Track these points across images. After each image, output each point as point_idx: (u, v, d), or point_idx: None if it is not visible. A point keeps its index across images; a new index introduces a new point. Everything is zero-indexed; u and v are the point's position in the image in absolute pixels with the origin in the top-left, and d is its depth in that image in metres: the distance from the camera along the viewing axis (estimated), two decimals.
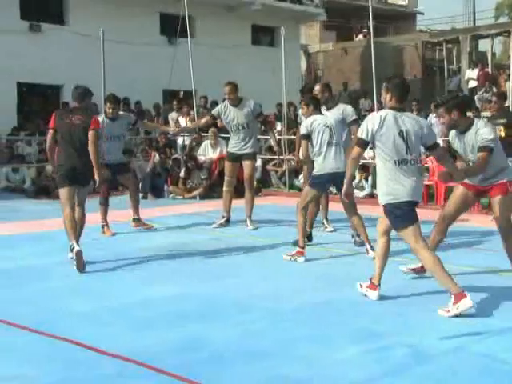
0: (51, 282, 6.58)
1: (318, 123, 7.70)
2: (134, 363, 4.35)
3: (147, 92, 18.56)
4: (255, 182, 11.44)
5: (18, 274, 6.92)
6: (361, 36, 29.40)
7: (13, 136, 16.41)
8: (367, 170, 13.59)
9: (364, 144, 5.69)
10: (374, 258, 7.28)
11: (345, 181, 5.98)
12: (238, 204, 10.22)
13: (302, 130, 7.86)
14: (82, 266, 6.93)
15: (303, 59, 28.07)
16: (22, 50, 17.14)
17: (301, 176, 12.60)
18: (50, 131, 7.61)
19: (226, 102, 9.66)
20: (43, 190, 13.50)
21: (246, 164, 9.68)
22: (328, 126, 7.69)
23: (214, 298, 5.99)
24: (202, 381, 4.06)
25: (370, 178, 13.72)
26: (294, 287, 6.34)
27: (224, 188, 9.94)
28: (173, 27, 18.12)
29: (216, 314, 5.50)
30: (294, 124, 16.13)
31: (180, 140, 16.09)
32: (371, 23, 14.15)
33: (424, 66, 26.19)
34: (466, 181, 6.40)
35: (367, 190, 13.63)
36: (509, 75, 21.52)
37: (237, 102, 9.54)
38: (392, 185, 5.59)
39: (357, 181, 14.06)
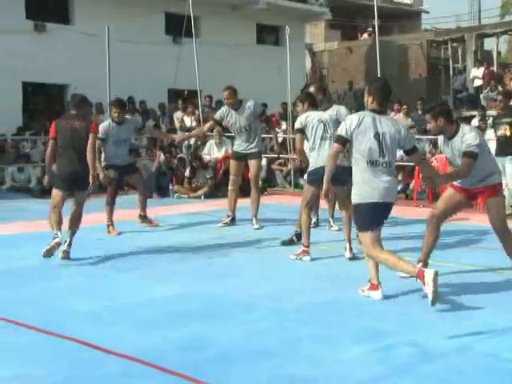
0: (55, 282, 6.60)
1: (312, 118, 7.71)
2: (139, 362, 4.35)
3: (152, 91, 18.57)
4: (260, 182, 11.45)
5: (22, 274, 6.93)
6: (366, 35, 29.35)
7: (18, 136, 16.43)
8: None
9: (343, 141, 5.78)
10: (350, 259, 7.33)
11: (324, 179, 6.02)
12: (244, 203, 10.22)
13: (296, 125, 7.93)
14: (49, 255, 7.11)
15: (308, 58, 28.04)
16: (27, 50, 17.17)
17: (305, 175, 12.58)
18: (51, 141, 7.77)
19: (226, 105, 9.68)
20: (48, 190, 13.49)
21: (252, 163, 9.69)
22: (322, 121, 7.68)
23: (218, 297, 5.99)
24: (211, 381, 4.06)
25: None
26: (298, 287, 6.33)
27: (229, 187, 9.95)
28: (178, 27, 18.15)
29: (220, 313, 5.50)
30: None
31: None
32: (376, 22, 14.15)
33: (429, 64, 26.14)
34: (456, 184, 6.45)
35: None
36: None
37: (237, 106, 9.56)
38: (362, 185, 5.71)
39: None
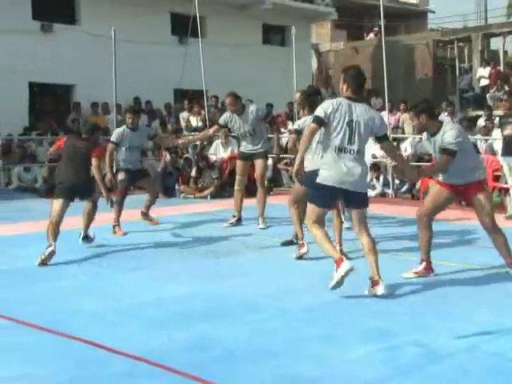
0: (61, 282, 6.61)
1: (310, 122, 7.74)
2: (145, 362, 4.36)
3: (158, 91, 18.59)
4: (266, 181, 11.45)
5: (28, 274, 6.94)
6: (372, 35, 29.31)
7: (24, 136, 16.46)
8: (378, 169, 13.56)
9: (320, 121, 5.82)
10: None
11: (296, 157, 6.05)
12: (249, 203, 10.22)
13: (294, 126, 8.06)
14: (45, 263, 7.28)
15: (314, 58, 28.03)
16: (34, 50, 17.21)
17: None
18: (54, 147, 8.57)
19: (229, 111, 9.71)
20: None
21: (258, 163, 9.70)
22: None
23: (224, 297, 5.99)
24: (217, 380, 4.06)
25: (381, 178, 13.70)
26: (303, 286, 6.33)
27: (235, 187, 9.96)
28: (184, 27, 18.17)
29: (225, 313, 5.50)
30: None
31: None
32: (382, 22, 14.12)
33: (435, 64, 26.09)
34: (441, 180, 6.55)
35: (378, 189, 13.61)
36: None
37: (240, 111, 9.57)
38: (324, 169, 5.87)
39: (368, 180, 14.04)
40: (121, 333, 5.00)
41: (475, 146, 10.14)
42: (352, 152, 5.82)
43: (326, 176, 5.86)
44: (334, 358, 4.45)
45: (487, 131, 13.68)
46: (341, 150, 5.81)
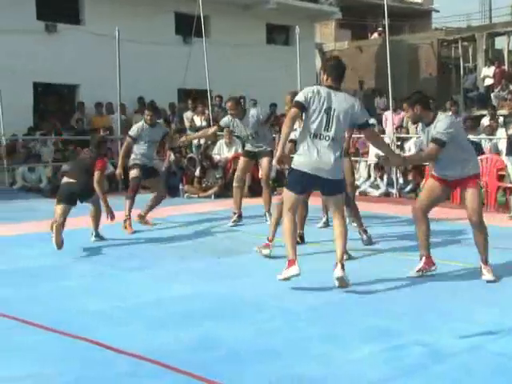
0: (66, 282, 6.62)
1: None
2: (150, 362, 4.37)
3: (162, 91, 18.59)
4: (270, 181, 11.45)
5: (33, 274, 6.96)
6: (376, 34, 29.30)
7: (29, 136, 16.48)
8: (382, 168, 13.55)
9: (300, 106, 5.96)
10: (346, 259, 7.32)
11: (279, 144, 6.18)
12: (254, 203, 10.22)
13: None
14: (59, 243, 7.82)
15: (318, 58, 28.01)
16: (38, 50, 17.22)
17: None
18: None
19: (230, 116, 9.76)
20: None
21: (263, 162, 9.71)
22: None
23: (227, 297, 6.00)
24: (222, 380, 4.06)
25: (385, 177, 13.70)
26: (305, 286, 6.31)
27: (234, 184, 9.97)
28: (188, 27, 18.18)
29: (230, 313, 5.51)
30: None
31: (195, 140, 16.11)
32: (386, 21, 14.12)
33: (440, 64, 26.05)
34: (435, 174, 6.58)
35: (382, 189, 13.60)
36: None
37: (241, 115, 9.60)
38: (299, 155, 6.03)
39: (372, 179, 14.06)
40: (125, 332, 5.01)
41: (477, 144, 10.11)
42: (327, 138, 5.94)
43: (301, 162, 6.01)
44: (337, 357, 4.46)
45: (492, 131, 13.66)
46: (316, 136, 5.95)
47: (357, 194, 11.11)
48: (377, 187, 13.73)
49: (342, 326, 5.13)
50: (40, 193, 14.01)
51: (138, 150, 9.78)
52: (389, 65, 13.38)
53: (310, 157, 5.96)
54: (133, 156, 9.85)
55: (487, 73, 21.65)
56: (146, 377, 4.20)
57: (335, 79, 6.11)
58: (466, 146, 6.54)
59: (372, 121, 17.18)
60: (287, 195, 6.19)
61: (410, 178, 13.60)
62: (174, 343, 4.75)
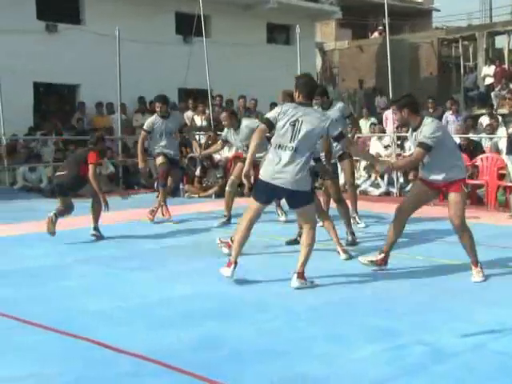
0: (67, 281, 6.61)
1: None
2: (152, 362, 4.36)
3: (162, 91, 18.39)
4: None
5: (34, 273, 6.95)
6: (376, 33, 29.30)
7: (29, 136, 16.47)
8: None
9: (269, 123, 6.26)
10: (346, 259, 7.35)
11: (247, 158, 6.42)
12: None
13: None
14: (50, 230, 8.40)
15: (318, 57, 28.01)
16: (39, 50, 17.20)
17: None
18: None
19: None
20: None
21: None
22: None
23: (229, 296, 6.00)
24: (224, 380, 4.05)
25: (385, 176, 13.69)
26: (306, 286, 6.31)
27: (227, 188, 10.07)
28: (188, 26, 18.17)
29: (231, 312, 5.51)
30: None
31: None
32: (387, 20, 14.12)
33: (440, 63, 26.05)
34: (422, 176, 6.64)
35: (383, 188, 13.60)
36: None
37: (236, 126, 9.63)
38: (265, 165, 6.26)
39: (372, 178, 14.05)
40: (127, 332, 5.00)
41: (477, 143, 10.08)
42: (291, 149, 6.08)
43: (265, 171, 6.22)
44: (339, 357, 4.45)
45: (492, 130, 13.65)
46: (281, 147, 6.13)
47: (357, 193, 11.11)
48: (377, 186, 13.73)
49: (342, 325, 5.13)
50: (40, 193, 14.01)
51: (156, 142, 10.19)
52: (389, 64, 13.38)
53: (272, 166, 6.14)
54: (154, 147, 10.31)
55: (487, 72, 21.64)
56: (147, 376, 4.19)
57: (306, 96, 6.31)
58: (453, 151, 6.58)
59: (372, 120, 17.23)
60: (252, 204, 6.37)
61: (410, 177, 13.58)
62: (175, 343, 4.75)
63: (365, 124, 16.75)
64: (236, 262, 6.27)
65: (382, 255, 6.76)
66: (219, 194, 13.46)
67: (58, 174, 8.85)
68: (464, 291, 6.09)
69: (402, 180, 13.56)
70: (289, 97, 8.43)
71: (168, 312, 5.51)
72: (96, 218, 8.76)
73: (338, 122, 8.40)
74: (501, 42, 25.18)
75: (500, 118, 15.00)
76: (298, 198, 6.22)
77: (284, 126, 6.14)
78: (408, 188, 13.45)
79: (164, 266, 7.21)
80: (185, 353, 4.55)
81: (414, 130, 6.48)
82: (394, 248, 7.81)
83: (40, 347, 4.71)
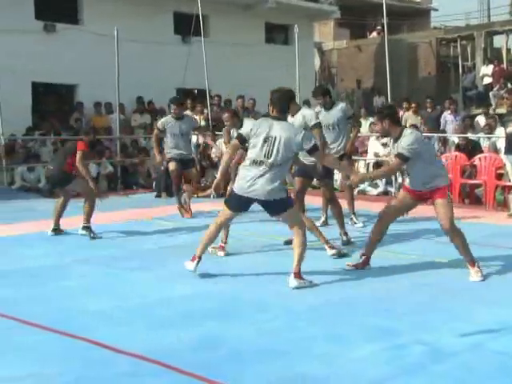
0: (67, 281, 6.61)
1: None
2: (151, 362, 4.36)
3: (161, 91, 18.55)
4: None
5: (34, 273, 6.95)
6: (375, 33, 29.27)
7: (27, 136, 16.46)
8: (380, 167, 13.54)
9: (241, 139, 6.47)
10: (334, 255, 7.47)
11: (219, 171, 6.77)
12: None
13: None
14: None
15: (317, 57, 28.00)
16: (37, 50, 17.18)
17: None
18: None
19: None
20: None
21: None
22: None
23: (228, 296, 6.00)
24: (224, 380, 4.06)
25: None
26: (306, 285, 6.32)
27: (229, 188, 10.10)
28: (186, 26, 18.15)
29: (231, 312, 5.51)
30: None
31: (194, 139, 16.11)
32: (385, 20, 14.13)
33: (438, 62, 26.05)
34: (406, 184, 6.82)
35: (381, 188, 13.61)
36: None
37: (238, 126, 9.63)
38: (238, 179, 6.40)
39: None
40: (126, 332, 5.01)
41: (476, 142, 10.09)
42: (265, 164, 6.22)
43: (238, 186, 6.38)
44: (339, 357, 4.46)
45: (490, 129, 13.66)
46: (255, 162, 6.27)
47: (355, 192, 11.14)
48: (375, 186, 13.72)
49: (342, 325, 5.13)
50: (39, 193, 14.00)
51: (170, 143, 10.52)
52: (387, 64, 13.39)
53: (244, 180, 6.29)
54: (167, 150, 10.62)
55: (486, 71, 21.64)
56: (146, 376, 4.20)
57: (279, 111, 6.44)
58: (434, 161, 6.68)
59: (371, 119, 17.22)
60: (224, 209, 6.58)
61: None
62: (175, 343, 4.75)
63: (364, 123, 16.77)
64: (200, 258, 6.53)
65: (363, 258, 6.94)
66: (218, 194, 13.44)
67: (47, 167, 9.03)
68: (463, 291, 6.10)
69: (400, 180, 13.55)
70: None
71: (168, 312, 5.52)
72: (85, 216, 8.78)
73: (309, 131, 8.36)
74: (499, 41, 25.19)
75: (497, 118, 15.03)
76: (274, 207, 6.38)
77: (258, 141, 6.28)
78: None
79: (163, 266, 7.21)
80: (184, 353, 4.55)
81: (395, 140, 6.61)
82: (392, 248, 7.83)
83: (40, 347, 4.71)
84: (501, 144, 12.21)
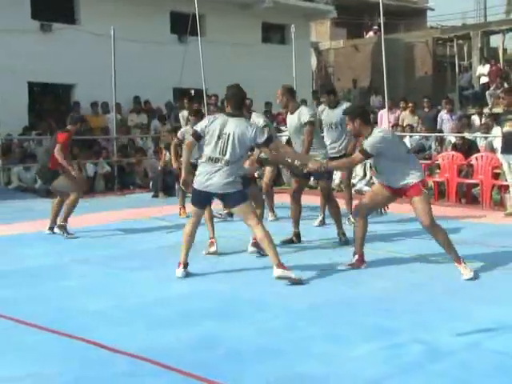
0: (66, 281, 6.62)
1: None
2: (150, 362, 4.37)
3: (157, 90, 18.58)
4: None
5: (33, 273, 6.95)
6: (371, 33, 29.31)
7: (24, 136, 16.43)
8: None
9: (196, 136, 6.60)
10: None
11: (182, 169, 6.87)
12: None
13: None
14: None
15: (314, 56, 28.01)
16: (33, 50, 17.16)
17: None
18: None
19: None
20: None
21: (268, 170, 9.92)
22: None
23: (227, 296, 6.01)
24: (223, 380, 4.07)
25: None
26: (308, 285, 6.33)
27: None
28: (183, 25, 18.14)
29: (230, 312, 5.52)
30: None
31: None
32: (382, 20, 14.13)
33: (435, 62, 26.09)
34: (380, 180, 6.90)
35: None
36: None
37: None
38: (197, 176, 6.57)
39: (368, 177, 14.09)
40: (125, 332, 5.01)
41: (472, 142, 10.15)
42: (222, 162, 6.43)
43: (196, 181, 6.57)
44: (339, 356, 4.47)
45: (487, 129, 13.69)
46: (211, 159, 6.46)
47: (353, 192, 11.15)
48: (372, 185, 13.73)
49: (342, 325, 5.14)
50: (35, 193, 13.98)
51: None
52: (384, 63, 13.38)
53: (202, 176, 6.50)
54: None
55: (482, 71, 21.68)
56: (145, 376, 4.21)
57: (234, 107, 6.60)
58: (405, 160, 6.65)
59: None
60: (193, 209, 6.81)
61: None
62: (173, 343, 4.76)
63: None
64: (186, 264, 6.65)
65: (356, 256, 6.94)
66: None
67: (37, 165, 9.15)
68: (462, 290, 6.12)
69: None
70: (288, 92, 8.44)
71: (167, 312, 5.52)
72: (63, 215, 8.80)
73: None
74: (495, 41, 25.27)
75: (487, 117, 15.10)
76: (231, 199, 6.63)
77: (211, 138, 6.46)
78: None
79: (162, 266, 7.20)
80: (183, 352, 4.56)
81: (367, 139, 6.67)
82: (389, 247, 7.85)
83: (39, 347, 4.72)
84: (497, 143, 12.23)
